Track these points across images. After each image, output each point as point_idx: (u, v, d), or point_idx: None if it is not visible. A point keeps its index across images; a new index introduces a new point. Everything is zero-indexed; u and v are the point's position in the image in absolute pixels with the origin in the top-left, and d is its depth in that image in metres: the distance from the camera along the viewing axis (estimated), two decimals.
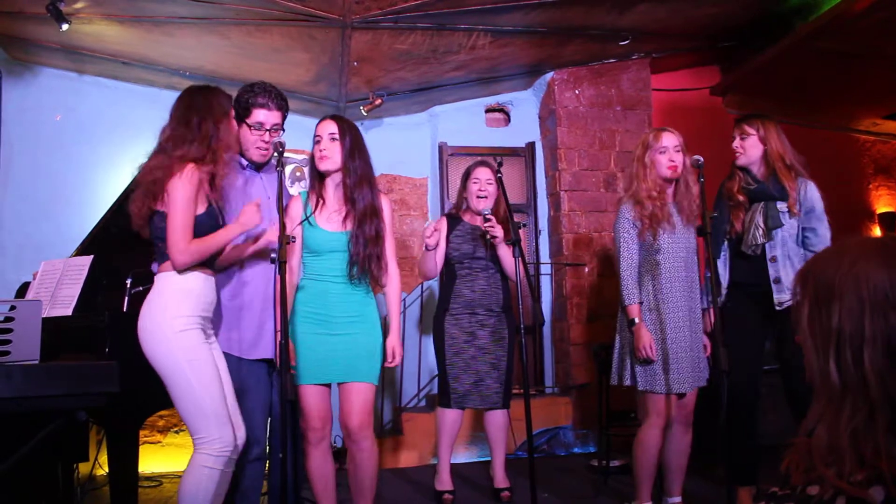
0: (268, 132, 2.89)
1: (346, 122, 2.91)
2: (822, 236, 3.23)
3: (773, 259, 3.24)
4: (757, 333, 3.31)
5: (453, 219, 3.92)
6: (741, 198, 3.33)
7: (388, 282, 2.95)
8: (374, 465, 2.88)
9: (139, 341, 2.44)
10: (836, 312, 0.98)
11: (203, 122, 2.51)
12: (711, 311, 3.02)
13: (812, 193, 3.27)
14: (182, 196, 2.40)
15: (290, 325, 2.82)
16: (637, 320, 3.15)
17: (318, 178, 2.92)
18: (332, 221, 2.86)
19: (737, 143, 3.36)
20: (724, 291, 3.36)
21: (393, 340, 2.91)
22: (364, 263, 2.81)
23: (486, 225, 3.57)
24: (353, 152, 2.84)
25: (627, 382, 3.24)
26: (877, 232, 6.96)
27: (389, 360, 2.89)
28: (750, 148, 3.32)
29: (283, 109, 2.95)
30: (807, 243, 3.25)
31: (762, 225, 3.25)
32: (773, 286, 3.21)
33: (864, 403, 0.93)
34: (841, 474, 0.90)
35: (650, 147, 3.25)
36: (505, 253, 3.70)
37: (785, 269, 3.22)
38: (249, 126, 2.87)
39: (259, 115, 2.87)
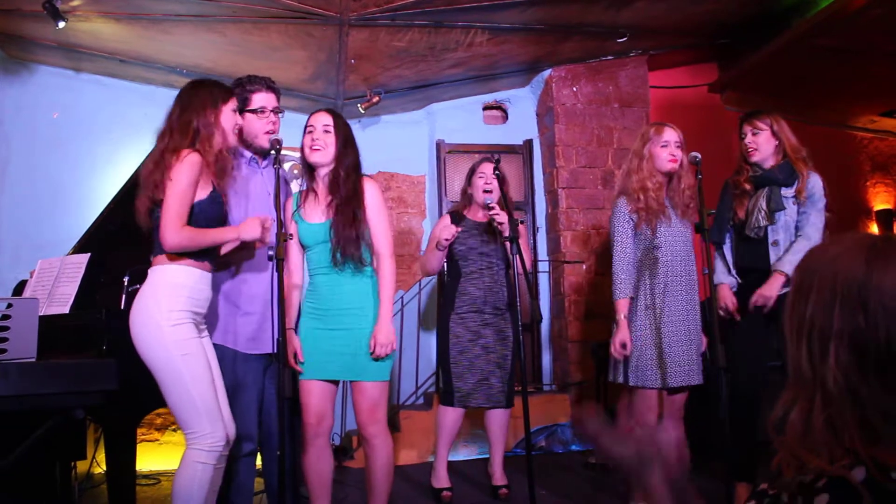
0: (272, 113, 2.95)
1: (340, 116, 2.91)
2: (812, 222, 3.24)
3: (775, 243, 3.25)
4: (761, 329, 3.31)
5: (456, 216, 3.92)
6: (747, 186, 3.34)
7: (381, 266, 2.86)
8: (386, 464, 2.85)
9: (131, 334, 2.42)
10: (811, 303, 0.98)
11: (183, 113, 2.53)
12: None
13: (815, 182, 3.29)
14: (180, 181, 2.40)
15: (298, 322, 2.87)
16: (622, 317, 3.16)
17: (308, 169, 2.91)
18: (316, 214, 2.86)
19: (749, 139, 3.35)
20: (733, 278, 3.36)
21: (377, 331, 2.77)
22: (343, 247, 2.76)
23: (491, 213, 3.55)
24: (346, 145, 2.85)
25: (620, 380, 3.26)
26: (874, 229, 6.97)
27: (371, 348, 2.77)
28: (763, 143, 3.33)
29: (277, 93, 3.01)
30: (798, 225, 3.26)
31: (765, 207, 3.26)
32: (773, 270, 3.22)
33: (831, 395, 0.93)
34: (825, 462, 0.91)
35: (651, 140, 3.25)
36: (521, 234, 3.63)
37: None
38: (254, 112, 2.91)
39: (259, 99, 2.93)
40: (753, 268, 3.30)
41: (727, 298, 3.32)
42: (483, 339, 3.78)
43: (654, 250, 3.19)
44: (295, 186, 5.59)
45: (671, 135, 3.24)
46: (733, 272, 3.38)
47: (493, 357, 3.78)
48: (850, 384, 0.92)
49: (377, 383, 2.81)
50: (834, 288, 0.96)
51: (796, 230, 3.27)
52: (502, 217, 3.48)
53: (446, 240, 3.65)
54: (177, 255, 2.45)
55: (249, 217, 2.68)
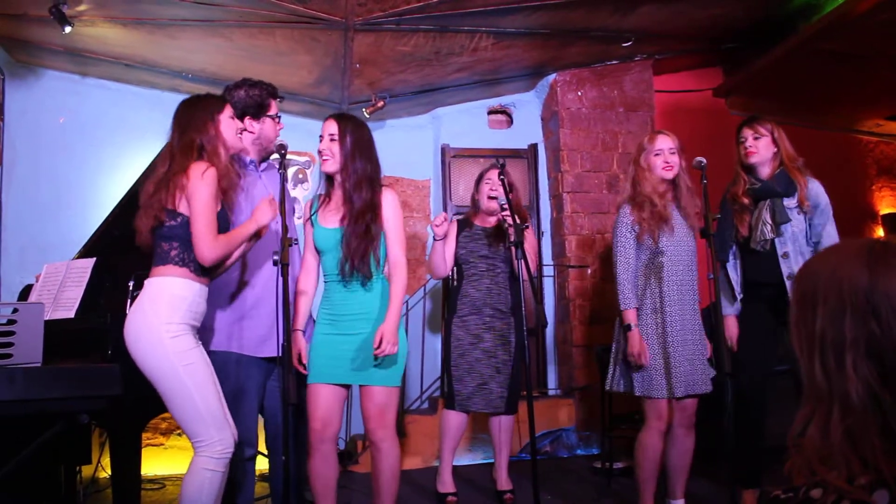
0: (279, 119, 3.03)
1: (349, 120, 2.87)
2: (829, 233, 3.25)
3: (785, 255, 3.23)
4: (769, 335, 3.29)
5: (464, 223, 3.94)
6: (745, 200, 3.32)
7: (394, 272, 2.85)
8: (392, 469, 2.83)
9: (127, 345, 2.40)
10: (819, 315, 0.97)
11: (184, 134, 2.52)
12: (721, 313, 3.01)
13: (817, 190, 3.28)
14: (205, 194, 2.41)
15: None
16: (632, 326, 3.15)
17: (326, 176, 2.91)
18: (331, 219, 2.85)
19: (750, 142, 3.34)
20: (738, 296, 3.36)
21: (384, 327, 2.71)
22: (352, 260, 2.75)
23: (503, 214, 3.54)
24: (354, 153, 2.81)
25: (620, 389, 3.24)
26: (879, 233, 6.95)
27: (375, 345, 2.69)
28: (763, 148, 3.32)
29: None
30: (814, 240, 3.25)
31: (769, 221, 3.24)
32: (787, 283, 3.20)
33: (851, 405, 0.92)
34: (843, 476, 0.89)
35: (645, 150, 3.26)
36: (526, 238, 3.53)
37: (798, 264, 3.21)
38: (273, 118, 2.95)
39: (275, 106, 2.99)
40: (765, 282, 3.28)
41: (730, 331, 3.33)
42: (484, 342, 3.78)
43: (657, 257, 3.18)
44: (298, 191, 5.61)
45: (664, 142, 3.24)
46: (738, 294, 3.37)
47: (494, 362, 3.77)
48: (873, 394, 0.91)
49: (386, 388, 2.80)
50: (841, 298, 0.95)
51: (811, 243, 3.25)
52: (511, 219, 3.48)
53: (437, 226, 3.60)
54: (179, 268, 2.44)
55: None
